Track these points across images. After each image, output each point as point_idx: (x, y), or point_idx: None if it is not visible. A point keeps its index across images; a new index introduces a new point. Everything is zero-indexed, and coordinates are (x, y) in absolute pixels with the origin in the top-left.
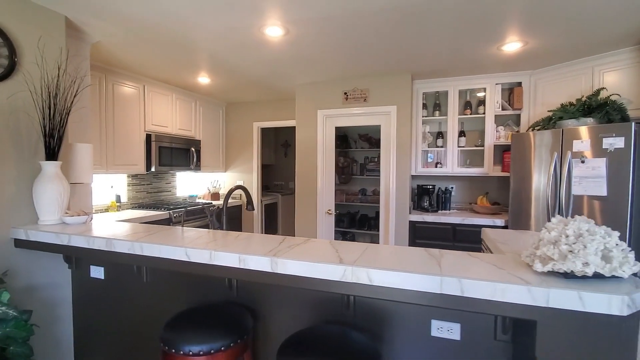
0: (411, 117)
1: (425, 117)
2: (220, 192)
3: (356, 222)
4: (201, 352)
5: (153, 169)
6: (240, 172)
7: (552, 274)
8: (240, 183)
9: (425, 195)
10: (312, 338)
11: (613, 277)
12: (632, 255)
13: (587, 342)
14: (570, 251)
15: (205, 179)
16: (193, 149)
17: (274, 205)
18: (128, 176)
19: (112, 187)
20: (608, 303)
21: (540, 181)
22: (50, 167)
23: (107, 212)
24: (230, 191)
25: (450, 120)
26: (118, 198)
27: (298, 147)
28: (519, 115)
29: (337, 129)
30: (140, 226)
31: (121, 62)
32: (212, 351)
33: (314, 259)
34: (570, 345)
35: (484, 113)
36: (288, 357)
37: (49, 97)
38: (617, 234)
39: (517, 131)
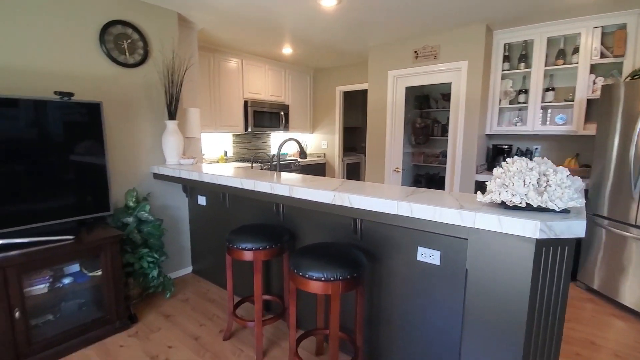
0: (485, 71)
1: (507, 71)
2: (307, 151)
3: (435, 183)
4: (247, 248)
5: (249, 130)
6: (325, 133)
7: (494, 204)
8: (324, 144)
9: (500, 155)
10: (320, 247)
11: (548, 209)
12: (569, 192)
13: (505, 258)
14: (504, 184)
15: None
16: (282, 113)
17: (357, 165)
18: (233, 135)
19: (225, 150)
20: (522, 227)
21: (625, 140)
22: (171, 125)
23: (217, 163)
24: (284, 142)
25: (534, 72)
26: (225, 153)
27: (370, 108)
28: (622, 64)
29: (418, 89)
30: (223, 167)
31: (223, 42)
32: (254, 248)
33: (318, 188)
34: (491, 259)
35: (577, 63)
36: (299, 255)
37: (168, 74)
38: (565, 172)
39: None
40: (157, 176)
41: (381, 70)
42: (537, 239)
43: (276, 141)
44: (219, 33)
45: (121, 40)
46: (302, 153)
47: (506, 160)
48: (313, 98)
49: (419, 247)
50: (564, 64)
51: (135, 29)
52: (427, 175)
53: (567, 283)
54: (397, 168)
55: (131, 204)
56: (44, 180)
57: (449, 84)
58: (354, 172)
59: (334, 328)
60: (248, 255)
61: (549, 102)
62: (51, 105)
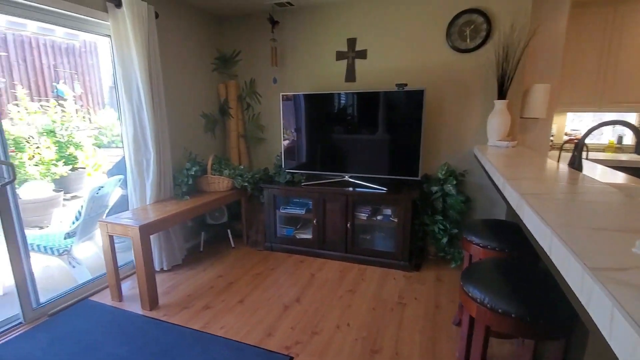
0: None
1: None
2: None
3: None
4: (481, 244)
5: None
6: None
7: None
8: None
9: None
10: (519, 269)
11: None
12: None
13: None
14: None
15: None
16: None
17: None
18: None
19: (619, 136)
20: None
21: None
22: (499, 105)
23: (601, 152)
24: (600, 125)
25: None
26: (620, 139)
27: None
28: None
29: None
30: (528, 156)
31: None
32: (474, 242)
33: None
34: None
35: None
36: (480, 265)
37: (503, 51)
38: None
39: None
40: (475, 156)
41: None
42: None
43: None
44: None
45: (465, 28)
46: (638, 145)
47: None
48: None
49: None
50: None
51: (482, 12)
52: None
53: None
54: None
55: (440, 176)
56: (375, 148)
57: None
58: None
59: None
60: (473, 250)
61: None
62: (390, 95)
